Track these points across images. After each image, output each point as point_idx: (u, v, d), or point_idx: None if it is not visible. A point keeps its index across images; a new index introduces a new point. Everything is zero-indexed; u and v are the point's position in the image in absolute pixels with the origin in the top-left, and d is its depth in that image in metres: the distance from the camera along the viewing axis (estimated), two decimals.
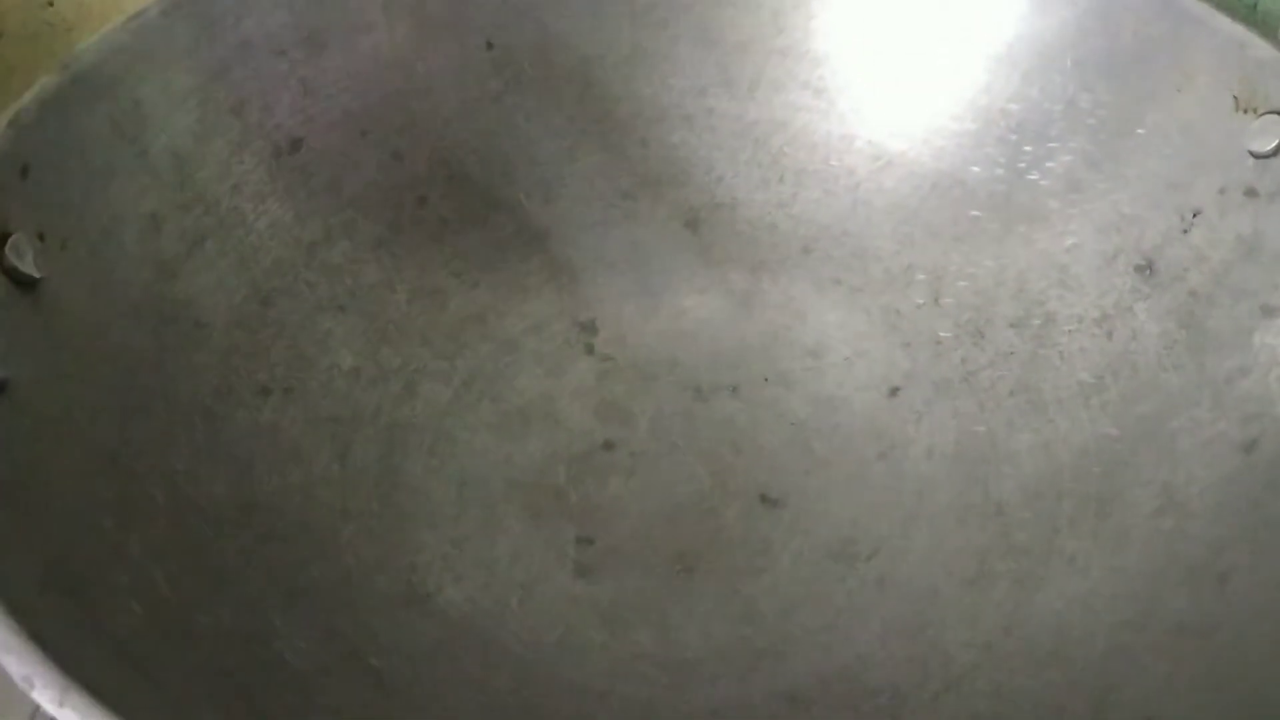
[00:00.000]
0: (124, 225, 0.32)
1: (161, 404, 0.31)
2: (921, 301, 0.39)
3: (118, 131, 0.33)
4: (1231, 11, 0.44)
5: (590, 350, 0.39)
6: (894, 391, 0.38)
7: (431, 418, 0.37)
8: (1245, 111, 0.33)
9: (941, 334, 0.38)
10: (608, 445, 0.37)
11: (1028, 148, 0.38)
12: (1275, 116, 0.32)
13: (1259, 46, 0.33)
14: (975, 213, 0.39)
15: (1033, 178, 0.38)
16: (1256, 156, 0.33)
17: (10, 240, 0.28)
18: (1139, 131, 0.36)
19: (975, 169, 0.39)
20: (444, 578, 0.33)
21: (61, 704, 0.20)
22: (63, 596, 0.23)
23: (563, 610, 0.33)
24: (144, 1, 0.45)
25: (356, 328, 0.37)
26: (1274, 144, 0.32)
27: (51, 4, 0.46)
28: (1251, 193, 0.33)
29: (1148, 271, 0.35)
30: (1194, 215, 0.34)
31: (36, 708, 0.23)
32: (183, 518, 0.29)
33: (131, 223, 0.33)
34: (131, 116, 0.33)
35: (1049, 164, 0.38)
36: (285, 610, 0.29)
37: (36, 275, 0.29)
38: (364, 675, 0.29)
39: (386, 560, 0.32)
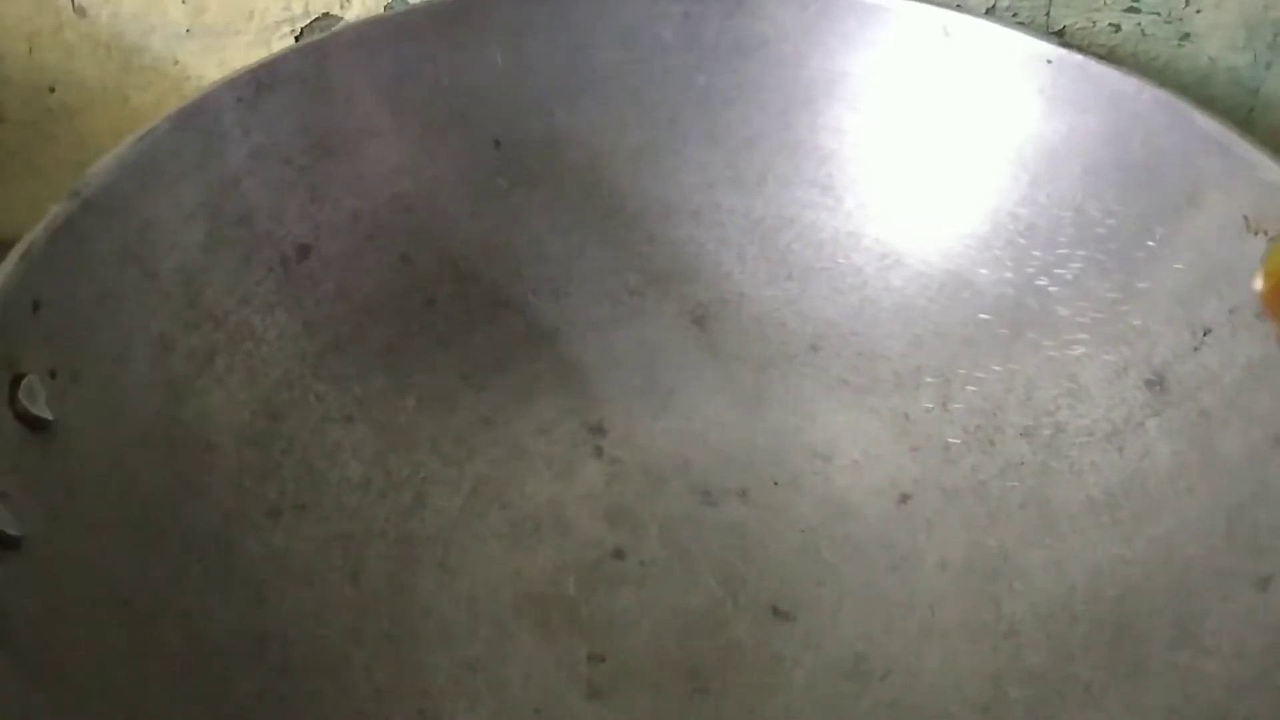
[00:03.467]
0: (134, 350, 0.32)
1: (174, 537, 0.31)
2: (930, 405, 0.39)
3: (127, 255, 0.32)
4: (1234, 98, 0.44)
5: (599, 453, 0.39)
6: (904, 499, 0.38)
7: (442, 529, 0.36)
8: (1257, 233, 0.33)
9: (951, 440, 0.38)
10: (617, 553, 0.37)
11: (1036, 252, 0.38)
12: None
13: (1270, 169, 0.33)
14: (984, 316, 0.39)
15: (1041, 283, 0.38)
16: None
17: (24, 383, 0.28)
18: (1149, 243, 0.36)
19: (983, 271, 0.39)
20: (458, 704, 0.32)
21: None
22: None
23: None
24: (142, 93, 0.45)
25: (365, 437, 0.37)
26: None
27: (53, 90, 0.45)
28: (1263, 316, 0.33)
29: (1158, 387, 0.35)
30: (1205, 333, 0.34)
31: None
32: (198, 659, 0.29)
33: (142, 347, 0.32)
34: (142, 238, 0.33)
35: (1058, 270, 0.38)
36: None
37: (49, 417, 0.28)
38: None
39: (400, 686, 0.32)
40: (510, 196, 0.41)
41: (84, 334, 0.31)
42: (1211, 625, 0.30)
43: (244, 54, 0.44)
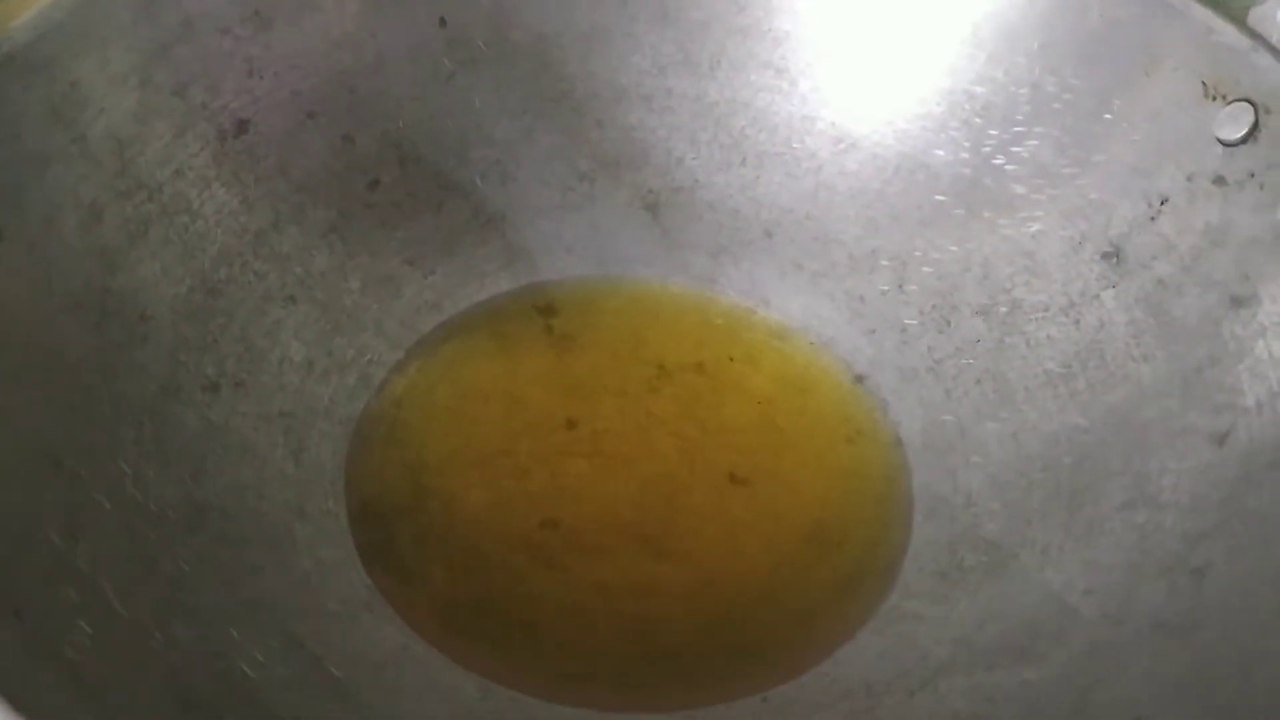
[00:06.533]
0: (63, 215, 0.31)
1: (107, 404, 0.30)
2: (886, 288, 0.38)
3: (55, 115, 0.31)
4: None
5: (549, 331, 0.38)
6: (860, 379, 0.37)
7: (388, 408, 0.35)
8: (1214, 99, 0.33)
9: (907, 321, 0.38)
10: (570, 424, 0.36)
11: (993, 131, 0.38)
12: (1244, 104, 0.32)
13: (1228, 32, 0.33)
14: (940, 197, 0.38)
15: (998, 162, 0.37)
16: (1225, 144, 0.33)
17: None
18: (1106, 117, 0.35)
19: (940, 153, 0.38)
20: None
21: None
22: (9, 620, 0.22)
23: (529, 607, 0.32)
24: None
25: (308, 318, 0.36)
26: (1243, 132, 0.32)
27: None
28: (1220, 180, 0.33)
29: (1115, 259, 0.34)
30: (1162, 203, 0.34)
31: None
32: (132, 525, 0.28)
33: (70, 212, 0.31)
34: (69, 99, 0.31)
35: (1015, 149, 0.37)
36: (242, 620, 0.28)
37: None
38: (327, 686, 0.28)
39: (344, 562, 0.31)
40: (456, 77, 0.39)
41: (10, 193, 0.29)
42: (1168, 482, 0.30)
43: None
